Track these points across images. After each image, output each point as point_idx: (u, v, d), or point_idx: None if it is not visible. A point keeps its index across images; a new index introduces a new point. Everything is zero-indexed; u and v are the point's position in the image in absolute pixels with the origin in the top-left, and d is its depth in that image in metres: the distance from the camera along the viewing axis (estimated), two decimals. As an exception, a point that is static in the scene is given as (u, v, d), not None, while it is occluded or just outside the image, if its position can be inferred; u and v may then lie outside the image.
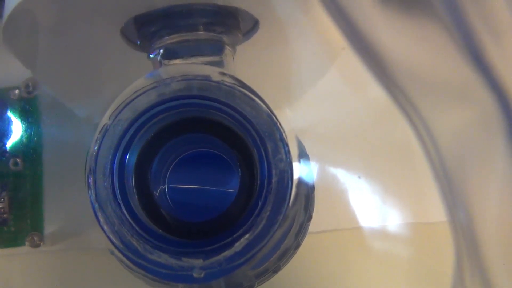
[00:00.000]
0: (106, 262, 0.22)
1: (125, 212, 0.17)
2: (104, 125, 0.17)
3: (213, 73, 0.18)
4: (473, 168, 0.11)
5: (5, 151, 0.27)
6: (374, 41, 0.11)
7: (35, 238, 0.26)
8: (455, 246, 0.13)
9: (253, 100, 0.17)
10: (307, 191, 0.20)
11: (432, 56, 0.11)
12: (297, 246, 0.20)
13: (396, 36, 0.11)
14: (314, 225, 0.20)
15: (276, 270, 0.20)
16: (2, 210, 0.26)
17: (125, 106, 0.17)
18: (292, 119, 0.20)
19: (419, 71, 0.11)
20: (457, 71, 0.11)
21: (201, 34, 0.22)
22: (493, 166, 0.11)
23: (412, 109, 0.12)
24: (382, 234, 0.20)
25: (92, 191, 0.17)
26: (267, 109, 0.18)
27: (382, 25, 0.11)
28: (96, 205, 0.17)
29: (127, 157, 0.18)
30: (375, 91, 0.12)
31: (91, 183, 0.17)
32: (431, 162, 0.12)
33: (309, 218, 0.20)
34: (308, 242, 0.20)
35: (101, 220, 0.17)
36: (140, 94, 0.17)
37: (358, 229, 0.20)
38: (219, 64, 0.21)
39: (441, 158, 0.11)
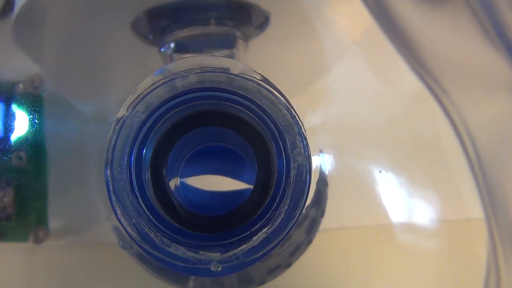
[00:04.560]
0: (111, 257, 0.22)
1: (142, 205, 0.17)
2: (121, 117, 0.17)
3: (232, 65, 0.18)
4: (511, 160, 0.11)
5: (9, 145, 0.27)
6: (409, 32, 0.11)
7: (39, 233, 0.26)
8: (490, 243, 0.12)
9: (272, 93, 0.17)
10: (320, 187, 0.20)
11: (465, 47, 0.11)
12: (309, 242, 0.20)
13: (430, 27, 0.11)
14: (330, 221, 0.20)
15: (287, 265, 0.20)
16: (7, 205, 0.26)
17: (143, 97, 0.17)
18: (310, 113, 0.20)
19: (454, 61, 0.11)
20: (491, 61, 0.11)
21: (213, 28, 0.22)
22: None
23: (447, 99, 0.11)
24: (409, 229, 0.20)
25: (110, 184, 0.17)
26: (286, 103, 0.17)
27: (417, 17, 0.11)
28: (114, 198, 0.17)
29: (144, 150, 0.18)
30: (404, 81, 0.12)
31: (108, 175, 0.17)
32: (466, 154, 0.12)
33: (322, 214, 0.20)
34: (323, 238, 0.20)
35: (119, 212, 0.17)
36: (158, 86, 0.17)
37: (377, 226, 0.20)
38: (231, 58, 0.21)
39: (476, 150, 0.11)
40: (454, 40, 0.11)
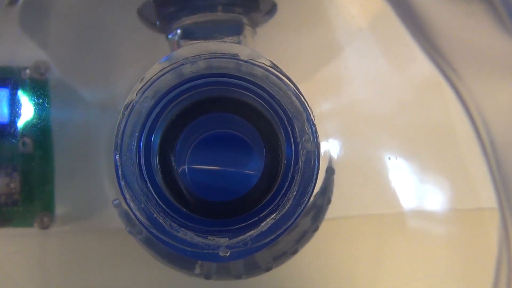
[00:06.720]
0: (118, 243, 0.22)
1: (151, 190, 0.17)
2: (130, 102, 0.17)
3: (241, 51, 0.18)
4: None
5: (16, 131, 0.27)
6: (422, 17, 0.11)
7: (44, 219, 0.26)
8: (502, 231, 0.12)
9: (281, 79, 0.17)
10: (328, 174, 0.20)
11: (479, 32, 0.11)
12: (315, 229, 0.20)
13: (443, 12, 0.11)
14: (338, 208, 0.20)
15: (293, 252, 0.20)
16: (14, 190, 0.26)
17: (152, 82, 0.17)
18: (319, 99, 0.20)
19: (468, 46, 0.11)
20: (505, 47, 0.11)
21: (220, 14, 0.21)
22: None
23: (461, 85, 0.11)
24: (419, 215, 0.20)
25: (119, 168, 0.17)
26: (295, 89, 0.17)
27: (430, 1, 0.11)
28: (123, 183, 0.17)
29: (153, 136, 0.18)
30: (416, 67, 0.12)
31: (117, 160, 0.17)
32: (479, 140, 0.12)
33: (328, 202, 0.20)
34: (329, 224, 0.20)
35: (128, 197, 0.17)
36: (167, 72, 0.17)
37: (386, 212, 0.20)
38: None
39: (490, 136, 0.11)
40: (468, 25, 0.11)
